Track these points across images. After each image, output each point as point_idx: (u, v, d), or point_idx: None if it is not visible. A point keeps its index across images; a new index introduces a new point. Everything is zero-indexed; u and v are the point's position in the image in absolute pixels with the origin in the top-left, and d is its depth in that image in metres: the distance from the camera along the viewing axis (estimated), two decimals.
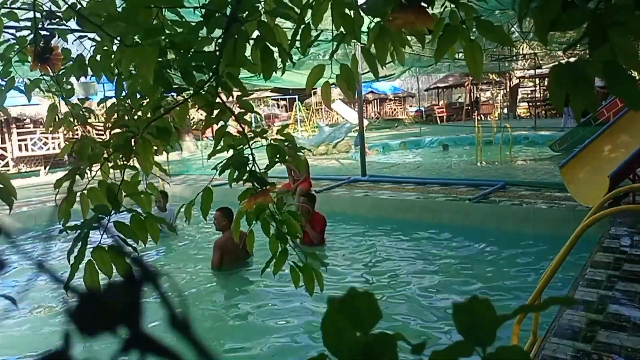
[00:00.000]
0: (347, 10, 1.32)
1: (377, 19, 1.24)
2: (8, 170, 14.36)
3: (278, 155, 1.58)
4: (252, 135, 1.58)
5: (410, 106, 32.40)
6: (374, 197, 7.54)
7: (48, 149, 14.79)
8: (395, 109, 31.89)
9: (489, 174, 8.72)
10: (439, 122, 26.12)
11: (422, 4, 1.03)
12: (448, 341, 3.66)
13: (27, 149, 14.60)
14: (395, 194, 7.51)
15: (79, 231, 1.27)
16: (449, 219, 6.50)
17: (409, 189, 7.75)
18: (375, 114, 30.71)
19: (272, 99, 29.13)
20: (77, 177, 1.40)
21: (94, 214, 1.31)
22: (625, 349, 2.42)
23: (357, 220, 7.15)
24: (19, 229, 7.42)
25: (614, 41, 0.76)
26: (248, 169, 1.52)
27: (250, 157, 1.54)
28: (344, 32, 1.34)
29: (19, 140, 14.50)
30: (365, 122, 17.37)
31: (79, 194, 1.45)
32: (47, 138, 14.77)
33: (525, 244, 5.55)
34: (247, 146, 1.55)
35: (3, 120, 14.31)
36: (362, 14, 1.29)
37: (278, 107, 30.59)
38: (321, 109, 27.75)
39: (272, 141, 1.60)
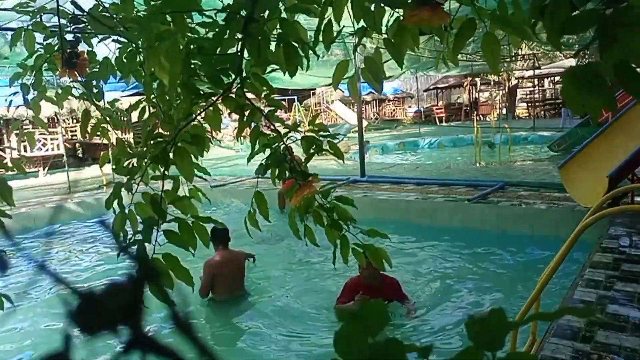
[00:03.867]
0: (366, 3, 1.31)
1: (395, 15, 1.22)
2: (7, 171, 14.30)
3: (314, 147, 1.57)
4: (286, 130, 1.57)
5: (409, 107, 32.41)
6: (373, 198, 7.53)
7: (47, 150, 14.76)
8: (394, 110, 31.90)
9: (488, 175, 8.72)
10: (437, 122, 26.13)
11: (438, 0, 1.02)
12: (446, 340, 3.67)
13: (26, 150, 14.56)
14: (394, 195, 7.51)
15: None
16: (448, 220, 6.50)
17: (408, 190, 7.76)
18: (374, 115, 30.72)
19: None
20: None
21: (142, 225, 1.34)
22: (624, 349, 2.43)
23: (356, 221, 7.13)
24: (18, 230, 7.40)
25: (624, 42, 0.76)
26: (287, 165, 1.52)
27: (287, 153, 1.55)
28: (365, 26, 1.32)
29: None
30: (365, 123, 17.37)
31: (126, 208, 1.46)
32: (46, 139, 14.73)
33: (524, 244, 5.55)
34: (282, 143, 1.55)
35: (2, 122, 14.29)
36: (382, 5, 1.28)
37: None
38: (320, 109, 27.73)
39: (305, 133, 1.58)
